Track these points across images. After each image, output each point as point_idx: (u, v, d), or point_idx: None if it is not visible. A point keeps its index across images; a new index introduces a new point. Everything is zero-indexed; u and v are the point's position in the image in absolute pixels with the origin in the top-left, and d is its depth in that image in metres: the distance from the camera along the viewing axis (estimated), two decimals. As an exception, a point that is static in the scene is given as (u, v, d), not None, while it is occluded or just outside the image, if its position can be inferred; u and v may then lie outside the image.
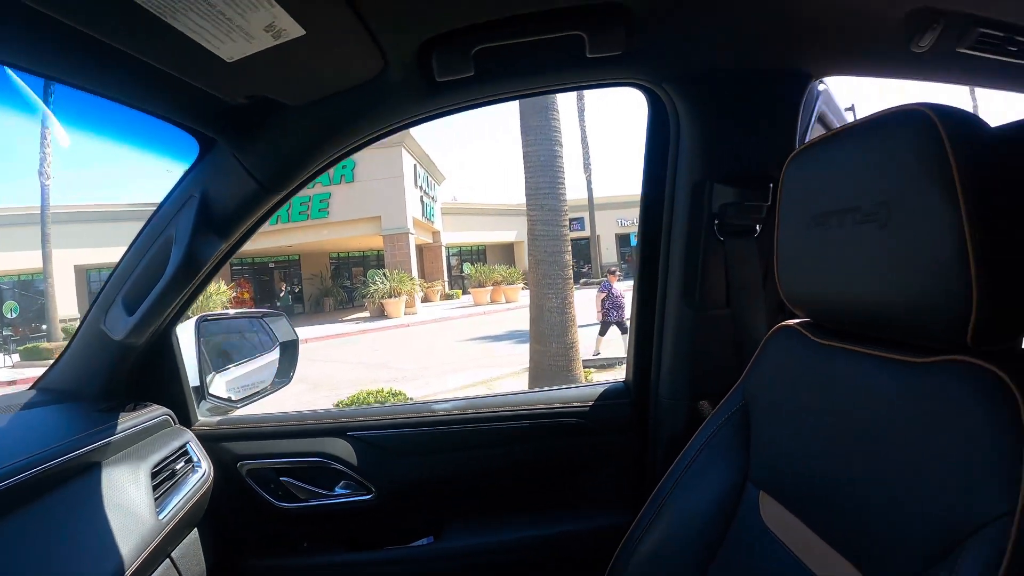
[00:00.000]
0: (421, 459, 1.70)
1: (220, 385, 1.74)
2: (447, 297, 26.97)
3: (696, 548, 1.16)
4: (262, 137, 1.33)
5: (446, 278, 28.38)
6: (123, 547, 1.12)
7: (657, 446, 1.69)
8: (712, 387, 1.44)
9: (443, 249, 28.69)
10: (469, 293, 25.63)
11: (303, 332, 17.98)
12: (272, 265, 27.47)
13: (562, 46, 1.26)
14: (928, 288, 0.77)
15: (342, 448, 1.68)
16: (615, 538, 1.30)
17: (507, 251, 32.89)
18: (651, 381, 1.73)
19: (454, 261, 31.29)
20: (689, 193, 1.56)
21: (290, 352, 1.84)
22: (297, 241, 23.09)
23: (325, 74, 1.20)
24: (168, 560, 1.30)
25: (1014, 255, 0.73)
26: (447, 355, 12.21)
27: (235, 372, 1.83)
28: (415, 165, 23.62)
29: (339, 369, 11.45)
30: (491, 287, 24.29)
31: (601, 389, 1.80)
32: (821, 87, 1.67)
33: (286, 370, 1.82)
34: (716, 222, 1.54)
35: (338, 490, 1.67)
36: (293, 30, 0.98)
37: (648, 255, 1.69)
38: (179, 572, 1.33)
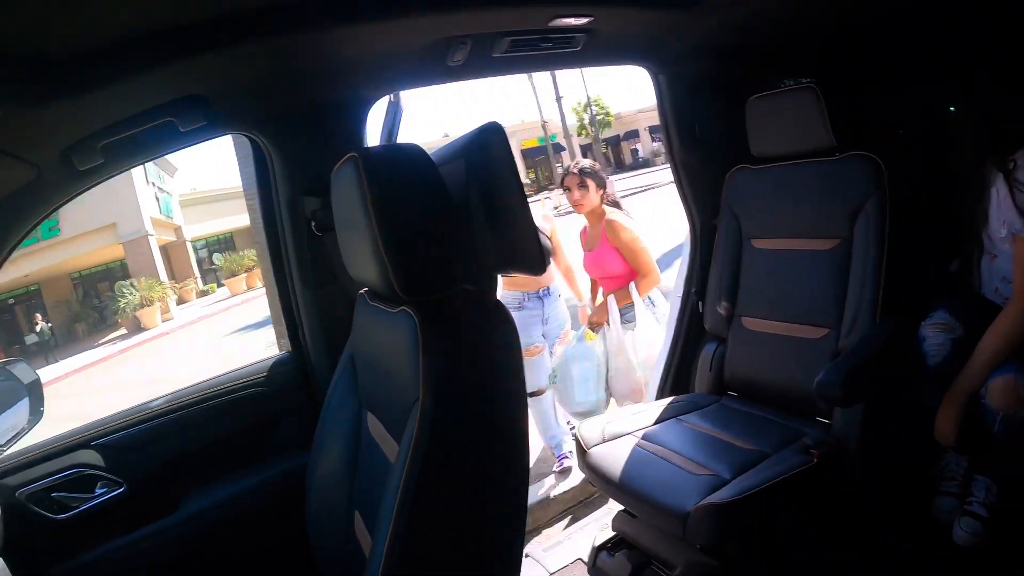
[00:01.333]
0: (152, 449, 1.91)
1: (-15, 437, 1.75)
2: (203, 294, 25.63)
3: (344, 463, 1.47)
4: None
5: (198, 274, 26.79)
6: None
7: (318, 395, 2.04)
8: (342, 344, 1.62)
9: (188, 244, 27.05)
10: (224, 285, 24.68)
11: (59, 367, 15.94)
12: (11, 302, 23.98)
13: (163, 126, 1.57)
14: (377, 271, 1.08)
15: (91, 456, 1.85)
16: (305, 471, 1.57)
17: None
18: (303, 347, 2.10)
19: (204, 254, 29.23)
20: (288, 205, 1.96)
21: (36, 391, 1.88)
22: (33, 268, 20.61)
23: None
24: None
25: (405, 252, 1.07)
26: (212, 354, 12.26)
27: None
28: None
29: (107, 398, 10.31)
30: (245, 274, 23.60)
31: (272, 361, 2.13)
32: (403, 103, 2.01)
33: (36, 407, 1.86)
34: (312, 223, 1.93)
35: (97, 491, 1.84)
36: None
37: (275, 253, 2.07)
38: None
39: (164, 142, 1.73)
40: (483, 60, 1.91)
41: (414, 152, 1.14)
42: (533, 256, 1.16)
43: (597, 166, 3.19)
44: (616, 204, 3.25)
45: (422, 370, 1.04)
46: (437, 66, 1.88)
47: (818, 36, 2.40)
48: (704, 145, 2.56)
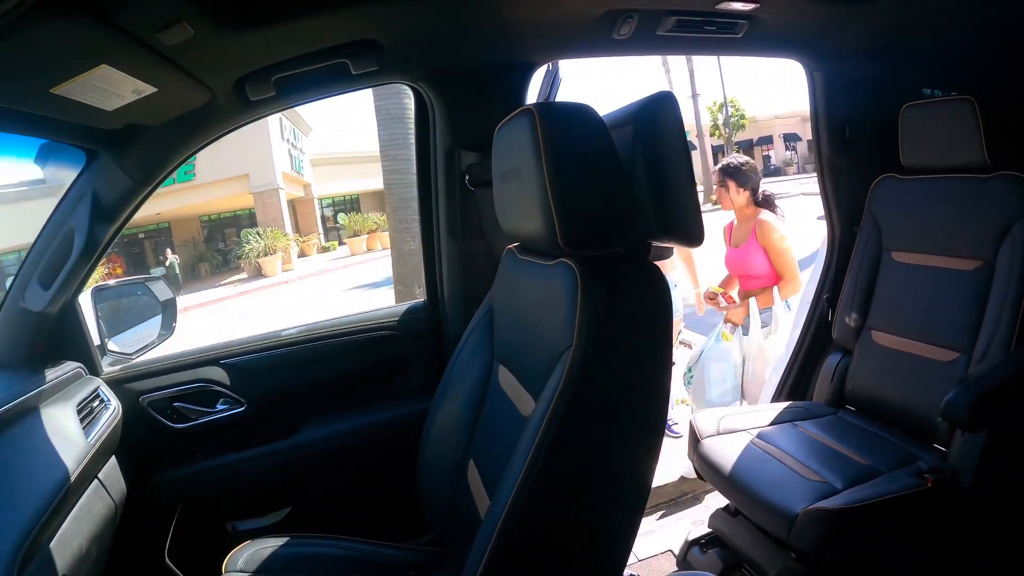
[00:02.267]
0: (279, 375, 2.03)
1: (117, 343, 1.94)
2: (324, 250, 26.47)
3: (467, 412, 1.53)
4: (133, 147, 1.66)
5: (321, 230, 27.65)
6: (66, 459, 1.39)
7: (447, 345, 2.16)
8: (479, 297, 1.66)
9: (316, 201, 27.91)
10: (345, 244, 25.38)
11: (182, 301, 16.70)
12: (142, 236, 25.85)
13: (335, 67, 1.67)
14: (542, 221, 1.10)
15: (218, 373, 1.97)
16: (424, 416, 1.64)
17: (381, 198, 30.62)
18: (439, 297, 2.18)
19: (328, 212, 30.31)
20: (444, 157, 2.02)
21: (170, 308, 2.05)
22: (166, 208, 22.02)
23: (172, 106, 1.59)
24: (97, 480, 1.53)
25: (572, 205, 1.08)
26: (328, 308, 12.38)
27: (128, 330, 2.01)
28: (280, 119, 22.88)
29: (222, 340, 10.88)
30: (366, 235, 24.19)
31: (405, 307, 2.23)
32: (563, 73, 2.09)
33: (168, 323, 2.04)
34: (466, 177, 2.00)
35: (219, 407, 1.96)
36: (148, 90, 1.36)
37: (425, 205, 2.16)
38: (107, 490, 1.57)
39: (333, 83, 1.81)
40: (648, 37, 1.93)
41: (588, 111, 1.14)
42: (694, 228, 1.15)
43: (746, 167, 3.14)
44: (770, 204, 3.20)
45: (579, 317, 1.05)
46: (604, 38, 1.90)
47: (980, 46, 2.28)
48: (853, 149, 2.50)
